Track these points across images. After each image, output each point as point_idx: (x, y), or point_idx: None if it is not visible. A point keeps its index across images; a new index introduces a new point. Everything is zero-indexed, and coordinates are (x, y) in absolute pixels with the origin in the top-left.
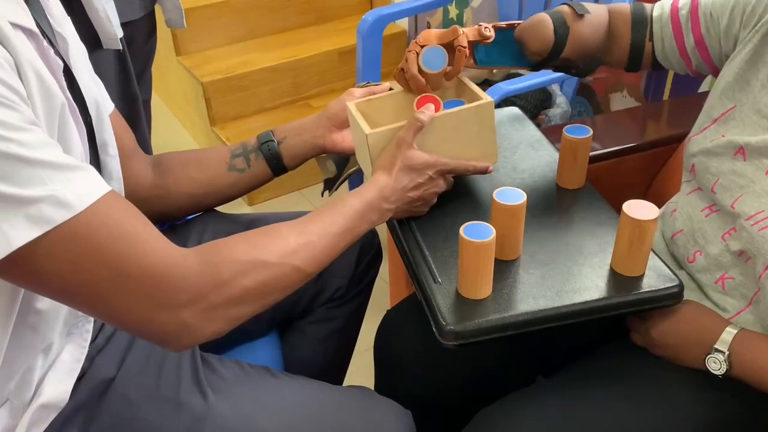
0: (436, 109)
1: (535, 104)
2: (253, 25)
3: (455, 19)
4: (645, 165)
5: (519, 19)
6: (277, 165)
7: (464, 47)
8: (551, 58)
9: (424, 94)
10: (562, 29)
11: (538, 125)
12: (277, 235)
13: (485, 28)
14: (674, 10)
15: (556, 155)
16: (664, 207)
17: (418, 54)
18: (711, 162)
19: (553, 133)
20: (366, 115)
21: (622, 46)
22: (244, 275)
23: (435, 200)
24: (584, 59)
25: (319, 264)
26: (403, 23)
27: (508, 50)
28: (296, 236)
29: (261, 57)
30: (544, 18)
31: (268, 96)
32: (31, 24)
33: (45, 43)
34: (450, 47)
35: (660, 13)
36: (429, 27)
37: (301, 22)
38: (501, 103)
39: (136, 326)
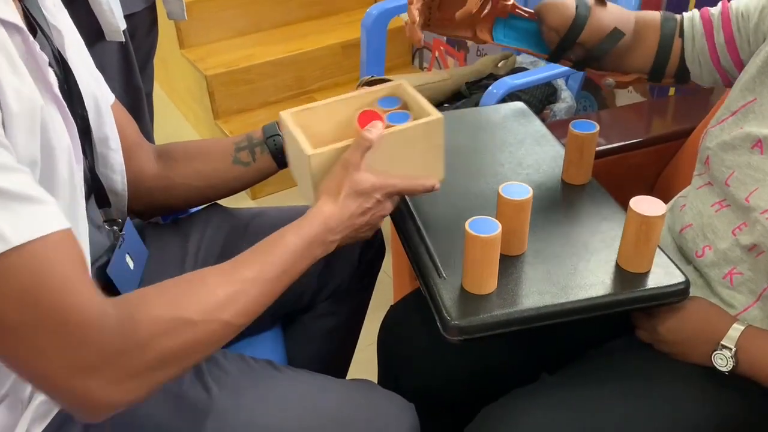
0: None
1: (540, 99)
2: (257, 19)
3: None
4: (650, 160)
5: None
6: (283, 159)
7: None
8: (568, 39)
9: (365, 109)
10: (583, 9)
11: (543, 120)
12: (203, 286)
13: None
14: (704, 11)
15: (561, 150)
16: (673, 200)
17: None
18: (726, 155)
19: (558, 128)
20: (305, 127)
21: (649, 45)
22: (164, 336)
23: (381, 224)
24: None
25: (252, 314)
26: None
27: (526, 36)
28: (225, 286)
29: (265, 50)
30: None
31: (271, 90)
32: (15, 18)
33: (31, 39)
34: None
35: (691, 15)
36: None
37: (305, 15)
38: (506, 98)
39: (42, 385)
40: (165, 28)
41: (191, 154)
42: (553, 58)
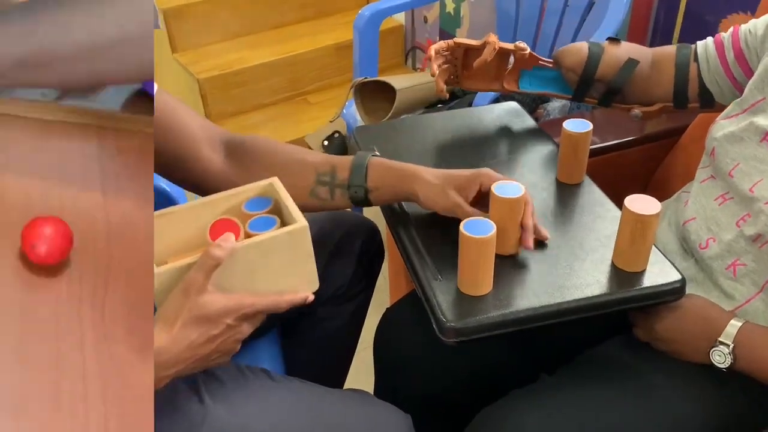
0: (236, 237)
1: (533, 98)
2: (250, 21)
3: (452, 13)
4: (645, 158)
5: (516, 11)
6: (362, 203)
7: (493, 41)
8: (586, 75)
9: (221, 218)
10: (595, 48)
11: (536, 119)
12: None
13: (521, 42)
14: (717, 37)
15: (555, 150)
16: (677, 194)
17: (449, 48)
18: (732, 146)
19: (552, 128)
20: (162, 234)
21: (667, 73)
22: None
23: (239, 347)
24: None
25: None
26: (400, 18)
27: (550, 82)
28: None
29: (257, 53)
30: (581, 43)
31: (265, 92)
32: None
33: None
34: (480, 47)
35: (704, 42)
36: (426, 21)
37: (298, 17)
38: (499, 98)
39: None
40: (156, 32)
41: (265, 165)
42: (577, 97)
